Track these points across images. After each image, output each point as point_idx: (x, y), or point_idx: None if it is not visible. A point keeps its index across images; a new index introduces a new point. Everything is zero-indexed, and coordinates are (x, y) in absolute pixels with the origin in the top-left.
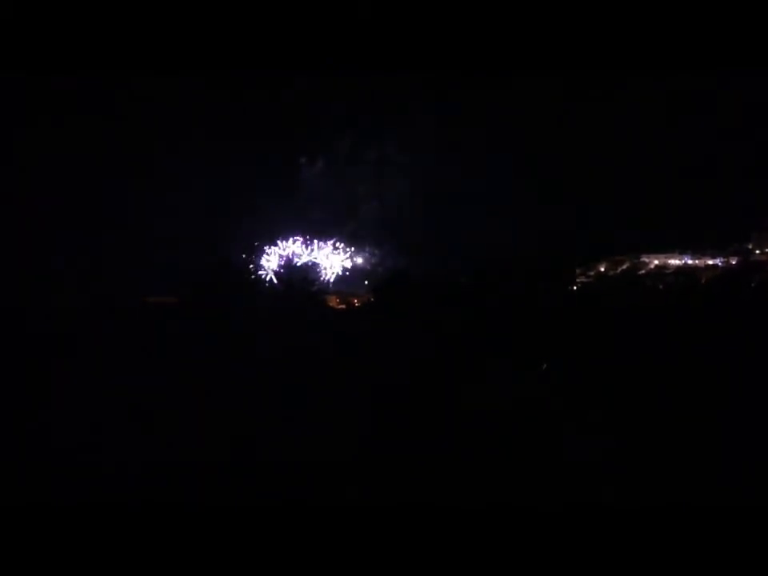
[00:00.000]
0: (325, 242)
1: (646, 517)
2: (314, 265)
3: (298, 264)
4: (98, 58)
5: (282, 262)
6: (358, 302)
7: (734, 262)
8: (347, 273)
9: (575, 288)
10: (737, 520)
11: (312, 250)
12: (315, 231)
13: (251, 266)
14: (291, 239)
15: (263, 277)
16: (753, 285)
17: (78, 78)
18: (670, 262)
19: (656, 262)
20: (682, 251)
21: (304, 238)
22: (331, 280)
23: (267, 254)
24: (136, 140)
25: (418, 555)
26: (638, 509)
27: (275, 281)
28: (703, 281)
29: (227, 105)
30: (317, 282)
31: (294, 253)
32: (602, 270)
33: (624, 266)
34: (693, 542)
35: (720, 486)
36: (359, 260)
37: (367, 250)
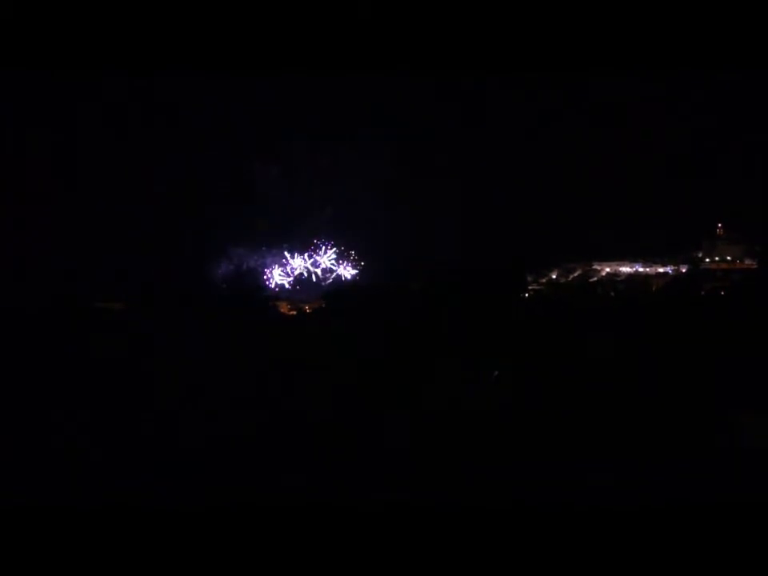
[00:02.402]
0: (277, 248)
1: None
2: (266, 272)
3: (249, 270)
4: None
5: (232, 269)
6: (308, 309)
7: (684, 270)
8: (299, 279)
9: (527, 295)
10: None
11: (263, 257)
12: (267, 238)
13: (201, 272)
14: (242, 246)
15: (214, 283)
16: (702, 293)
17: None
18: (621, 269)
19: (607, 269)
20: (633, 259)
21: (255, 244)
22: (283, 287)
23: (217, 260)
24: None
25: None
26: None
27: (224, 287)
28: (654, 288)
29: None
30: (267, 289)
31: (244, 259)
32: (554, 277)
33: (575, 273)
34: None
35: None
36: (312, 267)
37: (320, 256)
